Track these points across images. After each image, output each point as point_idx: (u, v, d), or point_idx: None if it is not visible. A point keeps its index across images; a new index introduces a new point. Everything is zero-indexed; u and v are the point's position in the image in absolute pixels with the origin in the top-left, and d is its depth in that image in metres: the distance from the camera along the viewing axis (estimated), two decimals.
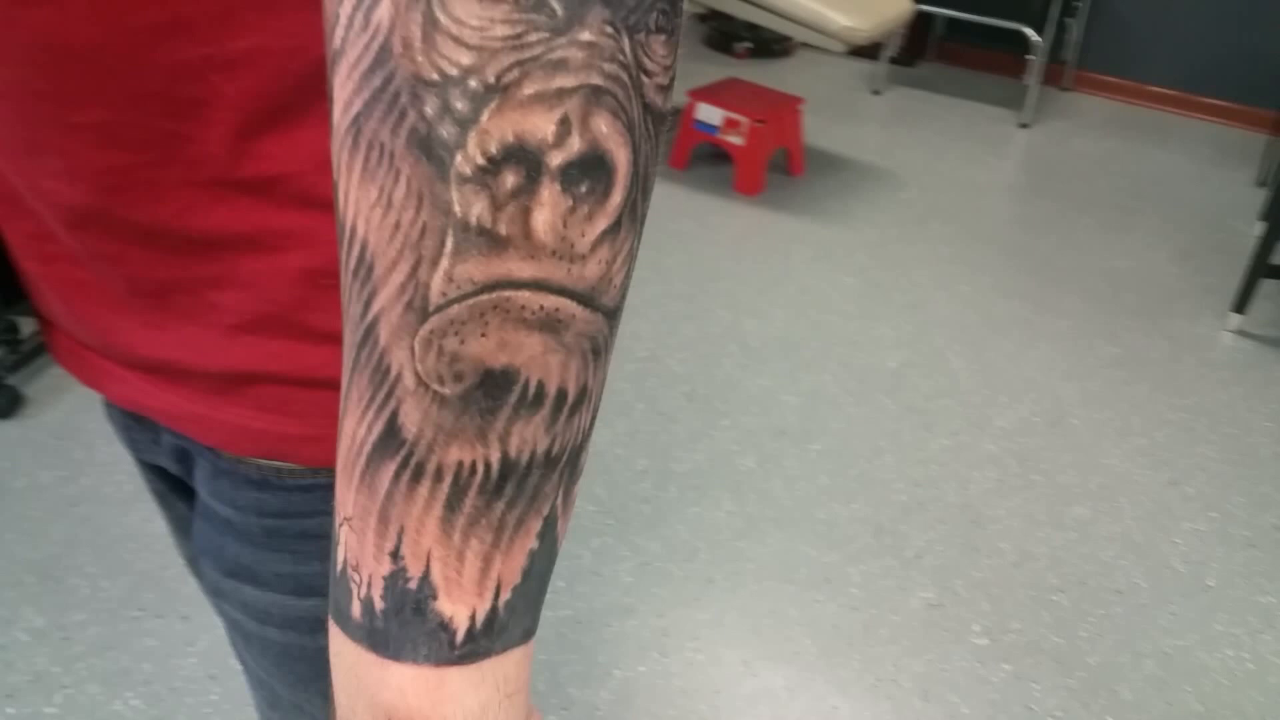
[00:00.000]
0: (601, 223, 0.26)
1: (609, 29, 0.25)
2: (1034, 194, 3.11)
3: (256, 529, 0.51)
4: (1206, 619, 1.64)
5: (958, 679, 1.52)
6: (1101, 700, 1.50)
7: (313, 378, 0.47)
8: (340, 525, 0.29)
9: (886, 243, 2.75)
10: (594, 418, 0.30)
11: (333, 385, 0.47)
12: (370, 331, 0.26)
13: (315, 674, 0.56)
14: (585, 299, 0.26)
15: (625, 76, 0.25)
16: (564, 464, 0.28)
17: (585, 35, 0.24)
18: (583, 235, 0.26)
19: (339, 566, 0.29)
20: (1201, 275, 2.65)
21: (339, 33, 0.25)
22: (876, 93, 3.84)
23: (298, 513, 0.50)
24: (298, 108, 0.41)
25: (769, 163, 3.02)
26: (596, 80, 0.25)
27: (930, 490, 1.88)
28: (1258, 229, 2.82)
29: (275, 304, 0.45)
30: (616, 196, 0.26)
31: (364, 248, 0.26)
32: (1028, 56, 3.57)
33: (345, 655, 0.29)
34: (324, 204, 0.43)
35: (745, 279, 2.53)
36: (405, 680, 0.28)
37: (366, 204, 0.25)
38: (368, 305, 0.26)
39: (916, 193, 3.05)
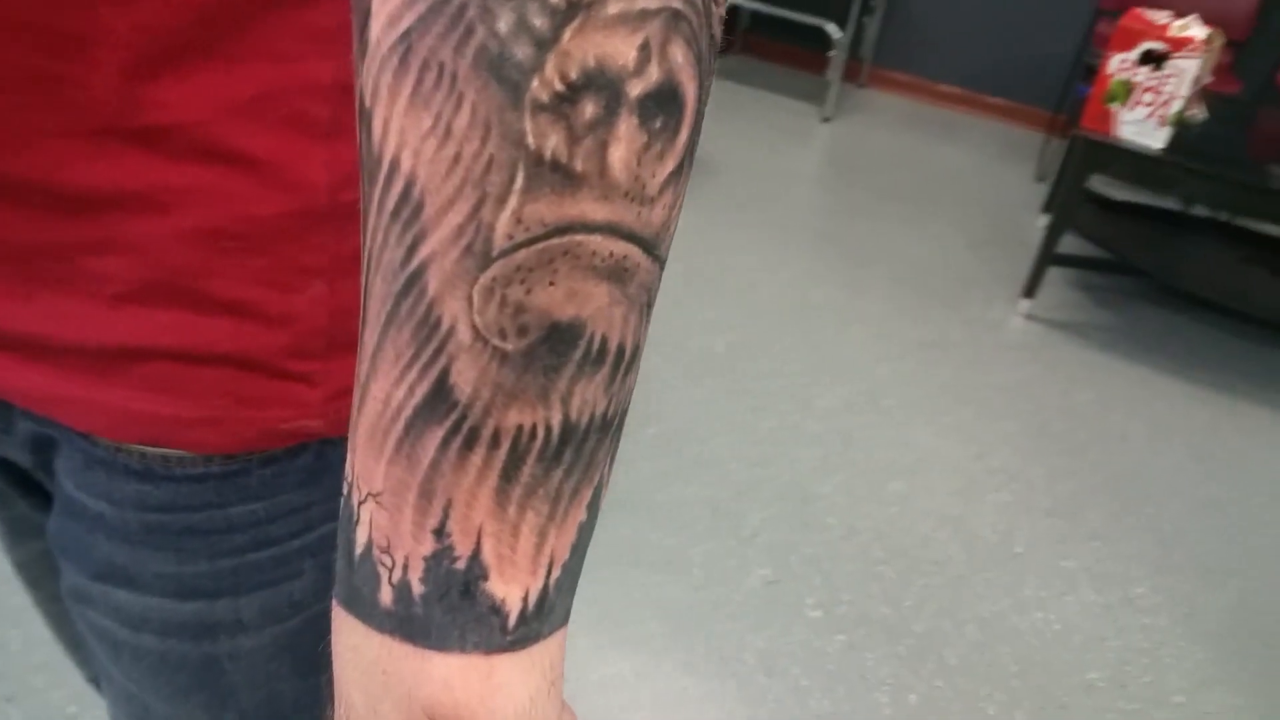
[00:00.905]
0: (670, 163, 0.24)
1: None
2: (840, 185, 3.24)
3: (135, 525, 0.45)
4: (1017, 584, 1.76)
5: (797, 652, 1.56)
6: (929, 665, 1.57)
7: (210, 352, 0.41)
8: (361, 503, 0.25)
9: (706, 229, 2.79)
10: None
11: (232, 361, 0.42)
12: (415, 280, 0.23)
13: (196, 684, 0.50)
14: (649, 246, 0.24)
15: (699, 2, 0.23)
16: (615, 427, 0.26)
17: None
18: (653, 176, 0.23)
19: (359, 549, 0.25)
20: (993, 263, 2.84)
21: None
22: None
23: (185, 506, 0.45)
24: (202, 45, 0.36)
25: None
26: (676, 4, 0.22)
27: (763, 470, 1.92)
28: (1040, 220, 3.05)
29: (168, 270, 0.39)
30: (684, 134, 0.24)
31: (410, 184, 0.22)
32: (830, 53, 3.71)
33: (367, 649, 0.26)
34: (229, 156, 0.38)
35: None
36: (451, 672, 0.25)
37: (416, 134, 0.22)
38: (412, 250, 0.23)
39: (731, 181, 3.11)
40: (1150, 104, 2.18)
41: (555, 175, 0.22)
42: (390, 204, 0.23)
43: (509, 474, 0.24)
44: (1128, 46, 2.17)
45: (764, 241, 2.77)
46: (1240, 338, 2.65)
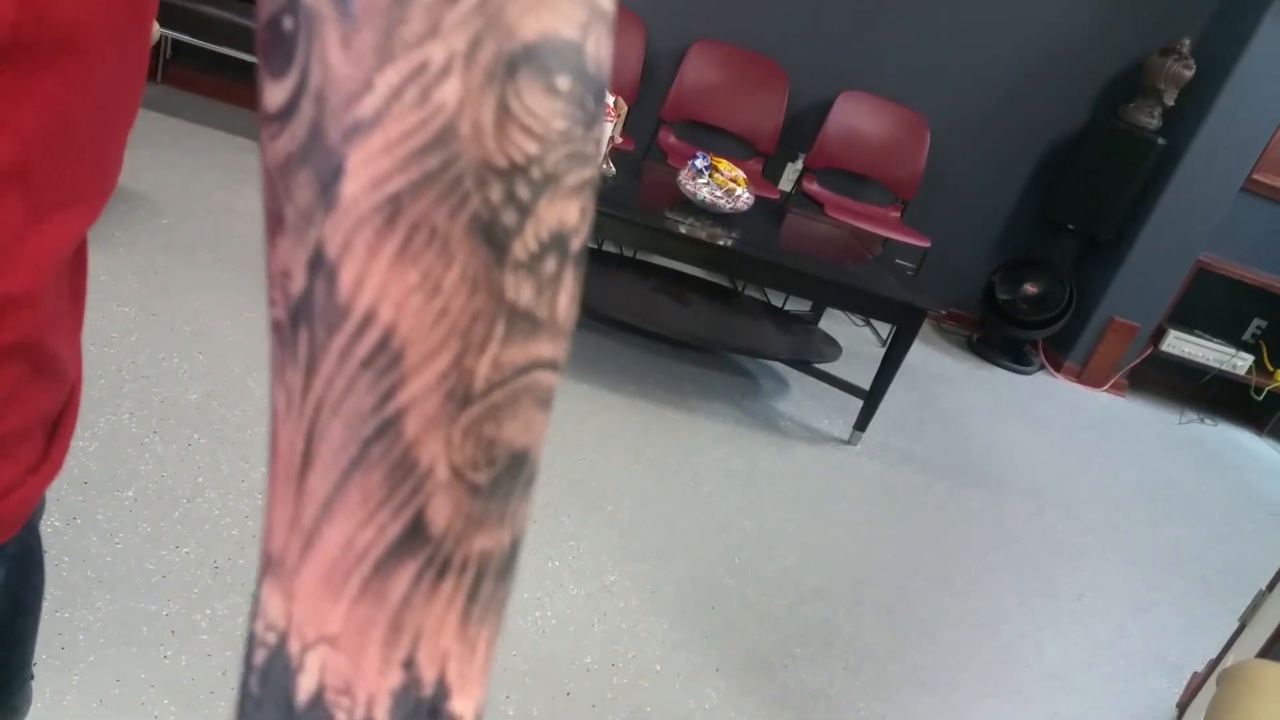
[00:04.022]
0: (578, 302, 0.29)
1: (600, 126, 0.29)
2: None
3: None
4: (516, 590, 1.93)
5: None
6: None
7: None
8: (307, 649, 0.25)
9: (156, 269, 2.60)
10: None
11: None
12: (390, 425, 0.25)
13: None
14: (561, 374, 0.30)
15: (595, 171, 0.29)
16: None
17: (596, 131, 0.27)
18: (573, 314, 0.28)
19: (304, 698, 0.25)
20: None
21: (371, 102, 0.24)
22: None
23: None
24: None
25: None
26: (594, 174, 0.27)
27: (258, 521, 1.86)
28: None
29: None
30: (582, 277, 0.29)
31: (389, 334, 0.24)
32: None
33: None
34: None
35: None
36: None
37: (401, 289, 0.24)
38: (387, 396, 0.24)
39: (176, 218, 2.92)
40: None
41: (525, 323, 0.25)
42: (361, 352, 0.24)
43: (473, 595, 0.26)
44: None
45: (223, 282, 2.65)
46: (656, 354, 3.14)
